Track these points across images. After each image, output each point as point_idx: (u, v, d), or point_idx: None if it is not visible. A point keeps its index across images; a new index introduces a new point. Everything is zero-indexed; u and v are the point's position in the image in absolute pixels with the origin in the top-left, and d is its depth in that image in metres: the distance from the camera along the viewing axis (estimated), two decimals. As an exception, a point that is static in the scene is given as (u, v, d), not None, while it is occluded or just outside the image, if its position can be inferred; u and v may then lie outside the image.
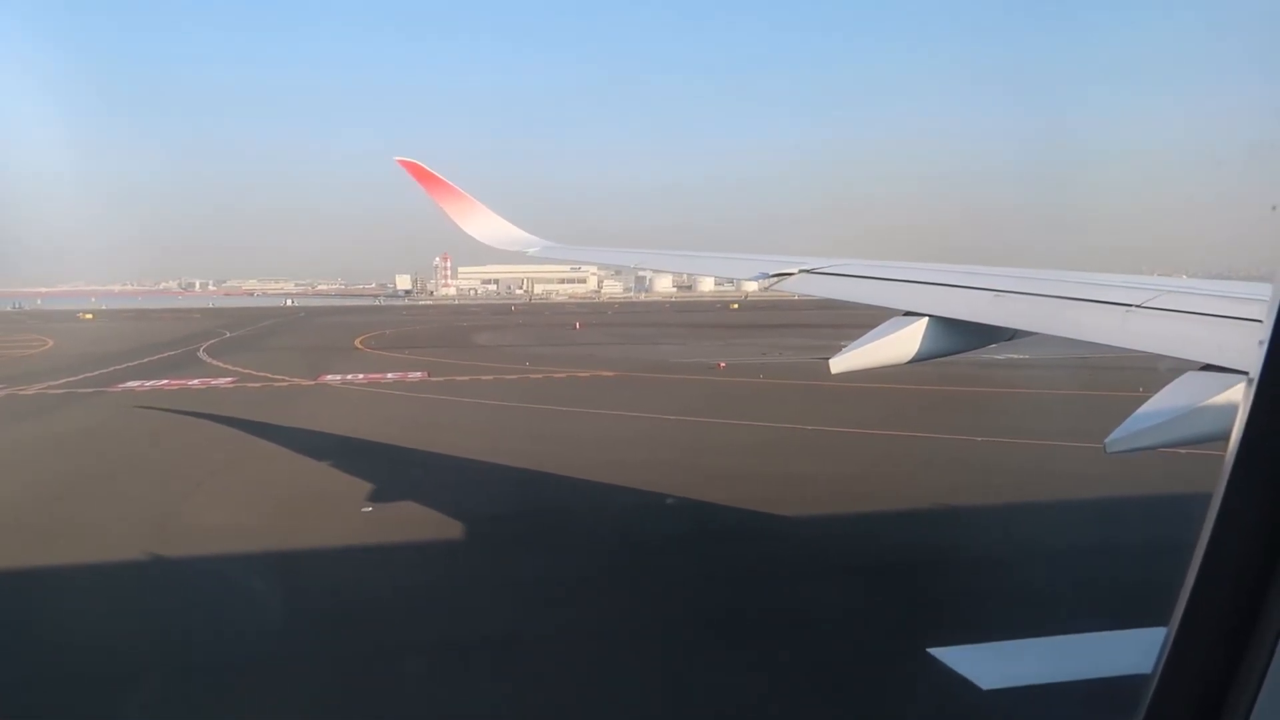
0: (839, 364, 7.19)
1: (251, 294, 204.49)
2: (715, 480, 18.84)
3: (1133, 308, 6.20)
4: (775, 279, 9.22)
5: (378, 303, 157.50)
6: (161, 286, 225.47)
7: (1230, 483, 1.70)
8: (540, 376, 39.45)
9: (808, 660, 10.39)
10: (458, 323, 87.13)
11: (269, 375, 40.35)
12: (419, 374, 40.55)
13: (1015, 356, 37.41)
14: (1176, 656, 1.77)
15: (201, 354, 51.26)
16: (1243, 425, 1.70)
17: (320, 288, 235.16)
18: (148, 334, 68.49)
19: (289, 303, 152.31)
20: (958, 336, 7.30)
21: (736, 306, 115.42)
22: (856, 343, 7.26)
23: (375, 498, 17.62)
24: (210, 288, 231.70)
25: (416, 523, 15.97)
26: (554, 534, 15.67)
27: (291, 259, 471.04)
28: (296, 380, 38.59)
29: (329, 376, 39.40)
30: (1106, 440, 4.82)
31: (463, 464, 21.30)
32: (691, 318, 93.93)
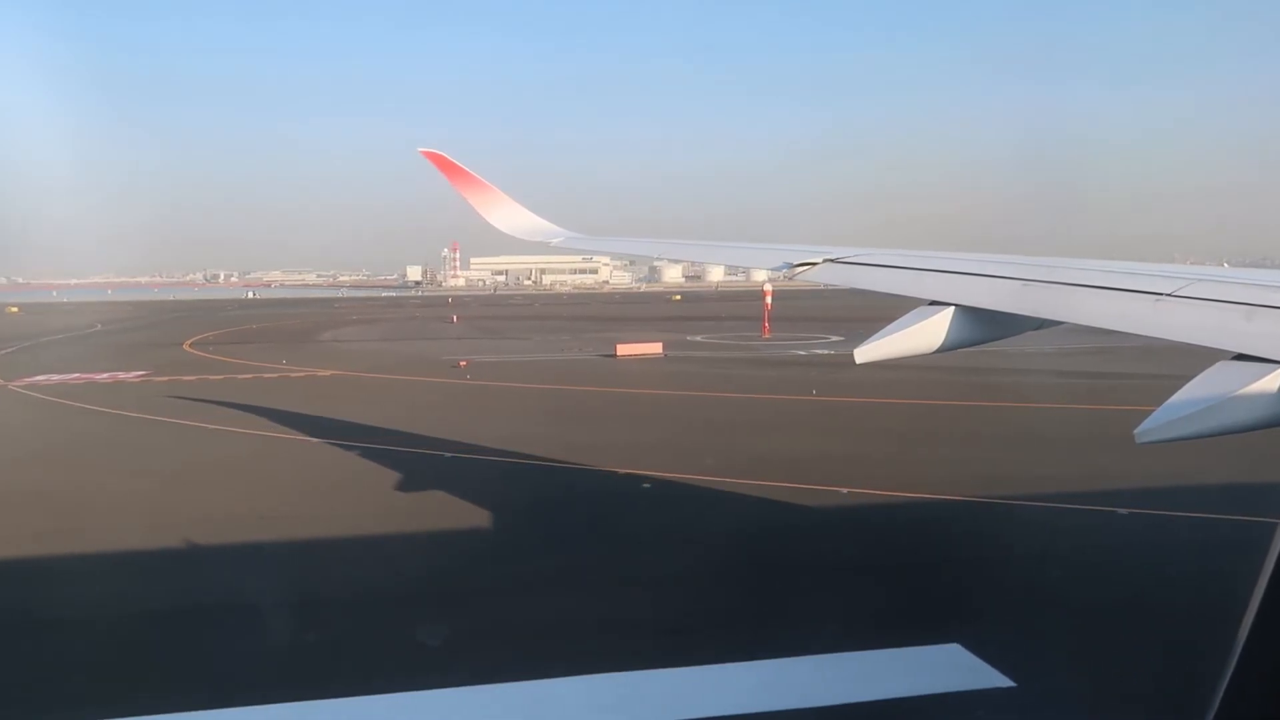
0: (864, 354, 6.94)
1: (270, 285, 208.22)
2: None
3: (1163, 296, 5.89)
4: (800, 268, 9.04)
5: (340, 295, 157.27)
6: (188, 278, 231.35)
7: None
8: (276, 377, 36.96)
9: None
10: (348, 317, 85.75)
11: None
12: (139, 373, 38.15)
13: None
14: (1247, 658, 1.77)
15: None
16: None
17: (342, 279, 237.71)
18: (21, 328, 68.15)
19: (250, 295, 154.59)
20: (984, 326, 7.11)
21: (679, 298, 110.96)
22: (881, 332, 6.99)
23: None
24: (233, 279, 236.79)
25: None
26: None
27: (321, 251, 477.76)
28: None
29: (36, 378, 36.89)
30: (1136, 430, 4.53)
31: None
32: (607, 310, 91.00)
